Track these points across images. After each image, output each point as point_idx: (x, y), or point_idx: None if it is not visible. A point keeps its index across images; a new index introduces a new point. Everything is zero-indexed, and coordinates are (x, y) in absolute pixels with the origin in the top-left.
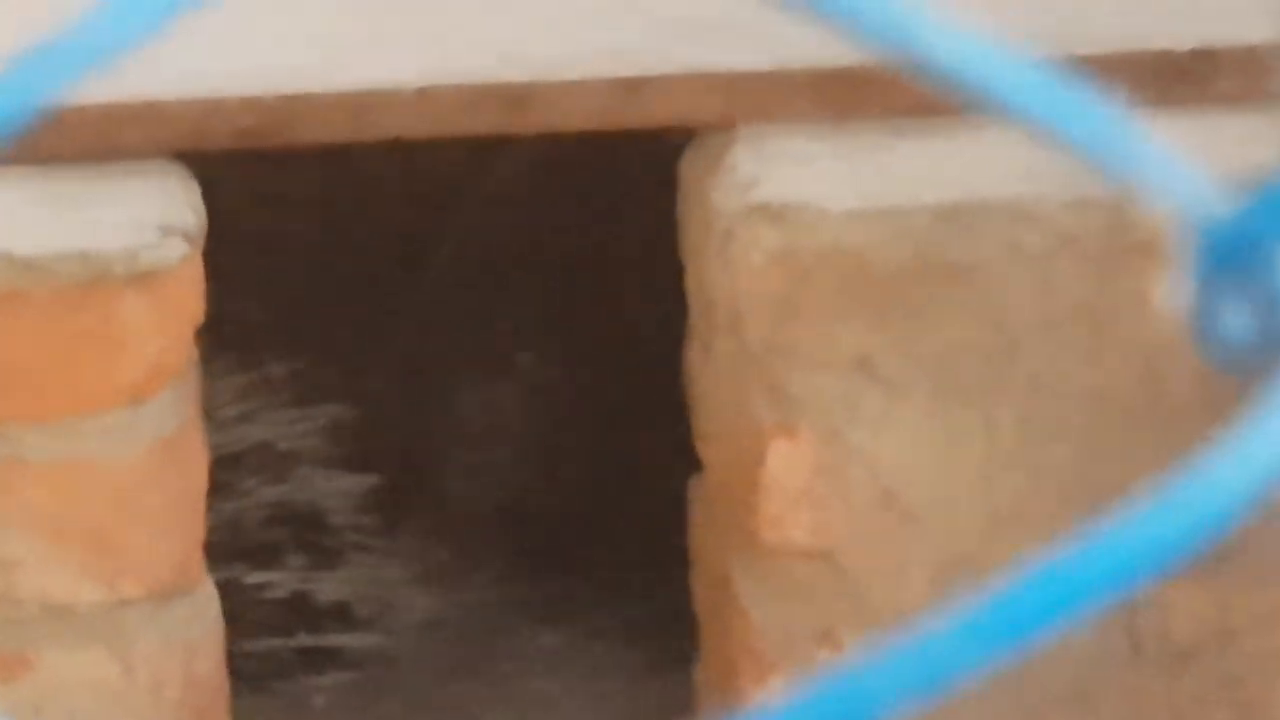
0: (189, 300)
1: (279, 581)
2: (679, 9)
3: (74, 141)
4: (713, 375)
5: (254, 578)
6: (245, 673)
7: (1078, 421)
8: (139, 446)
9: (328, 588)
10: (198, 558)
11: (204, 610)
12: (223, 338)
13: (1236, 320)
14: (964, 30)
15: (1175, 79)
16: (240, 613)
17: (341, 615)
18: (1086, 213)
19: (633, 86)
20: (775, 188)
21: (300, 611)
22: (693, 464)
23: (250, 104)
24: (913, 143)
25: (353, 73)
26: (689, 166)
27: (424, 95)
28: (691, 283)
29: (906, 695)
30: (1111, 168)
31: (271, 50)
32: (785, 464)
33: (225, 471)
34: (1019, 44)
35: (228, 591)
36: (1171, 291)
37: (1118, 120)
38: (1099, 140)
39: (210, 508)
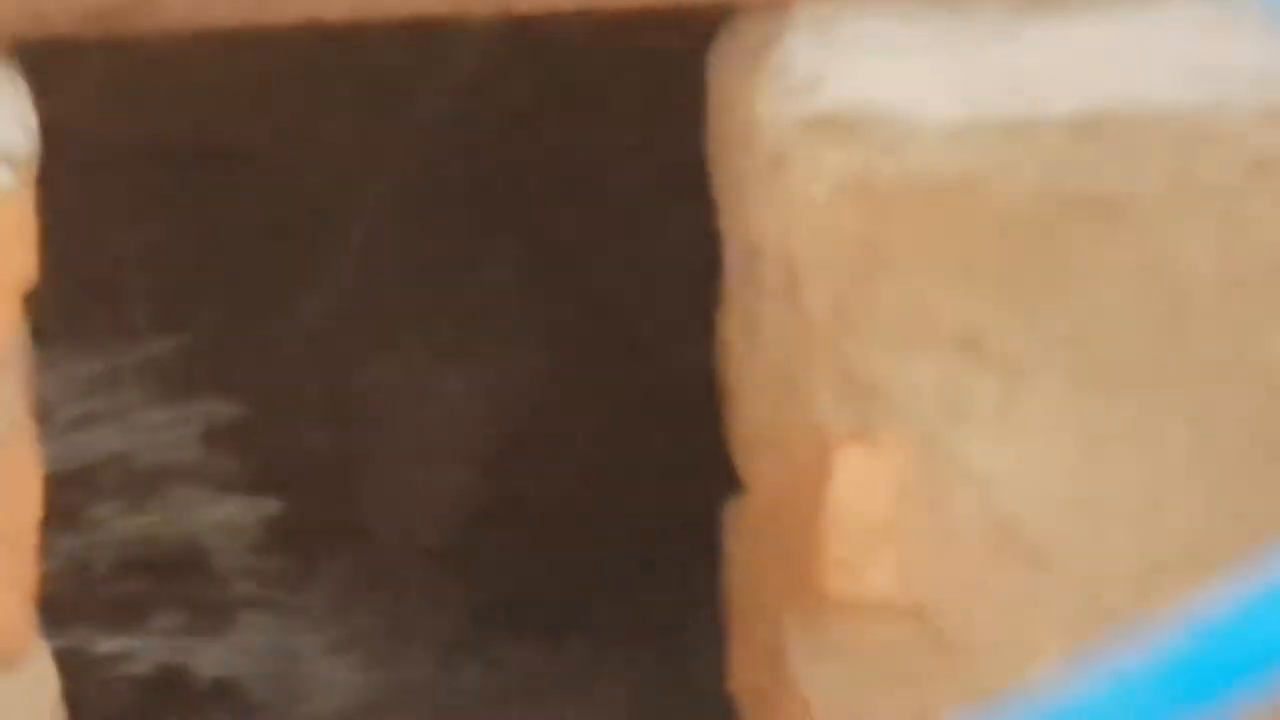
0: (14, 252)
1: (143, 650)
2: None
3: None
4: (758, 358)
5: (108, 644)
6: None
7: (1275, 421)
8: None
9: (211, 659)
10: (26, 617)
11: (35, 689)
12: (65, 307)
13: None
14: None
15: None
16: (89, 693)
17: (230, 696)
18: None
19: None
20: (846, 91)
21: (173, 692)
22: (728, 483)
23: None
24: (1044, 26)
25: None
26: (722, 62)
27: None
28: (728, 228)
29: None
30: None
31: None
32: (862, 483)
33: (68, 495)
34: None
35: (70, 663)
36: None
37: None
38: None
39: (45, 546)
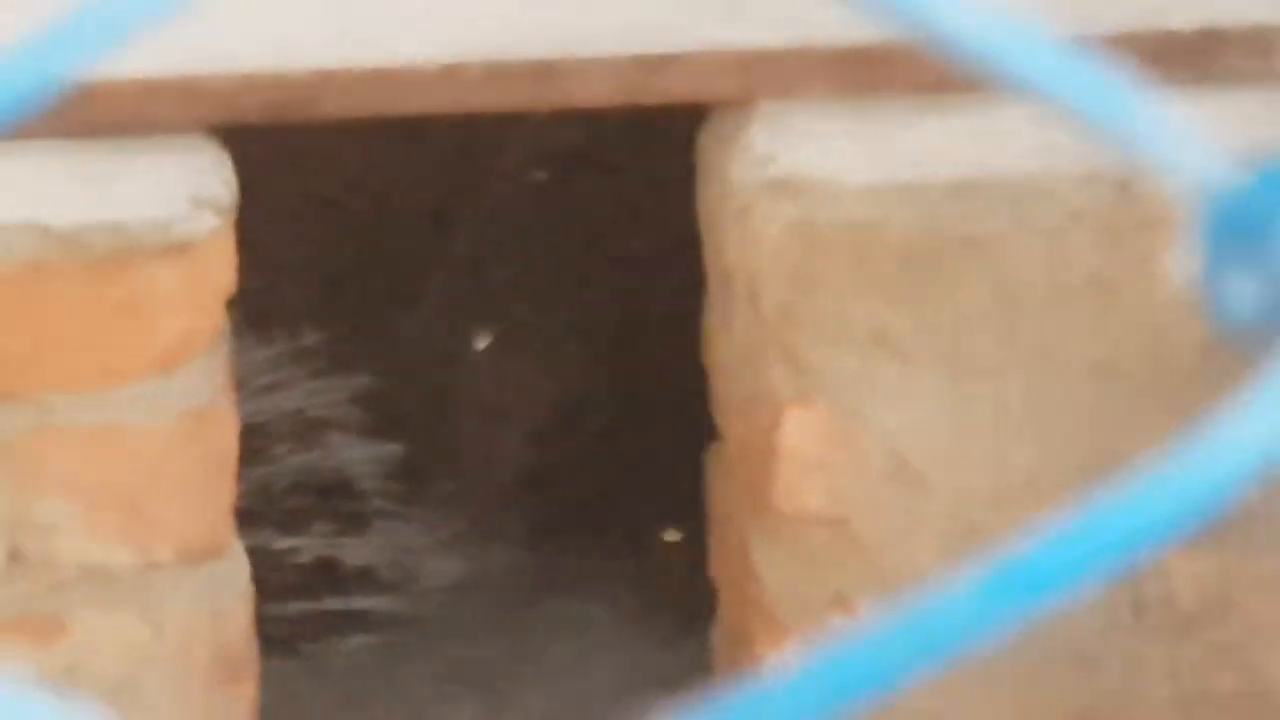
0: (219, 272)
1: (306, 546)
2: None
3: (106, 115)
4: (730, 346)
5: (282, 543)
6: (273, 635)
7: (1085, 392)
8: (170, 414)
9: (353, 552)
10: (228, 523)
11: (233, 574)
12: (254, 309)
13: (1242, 292)
14: (982, 7)
15: (1185, 57)
16: (268, 577)
17: (367, 579)
18: (1095, 188)
19: (653, 63)
20: (792, 163)
21: (327, 576)
22: (711, 433)
23: (279, 79)
24: (927, 120)
25: (379, 48)
26: (707, 142)
27: (449, 71)
28: (710, 255)
29: (917, 659)
30: (1123, 142)
31: (301, 26)
32: (800, 433)
33: (255, 439)
34: (1034, 22)
35: (256, 556)
36: (1179, 264)
37: (1130, 95)
38: (1112, 115)
39: (240, 474)
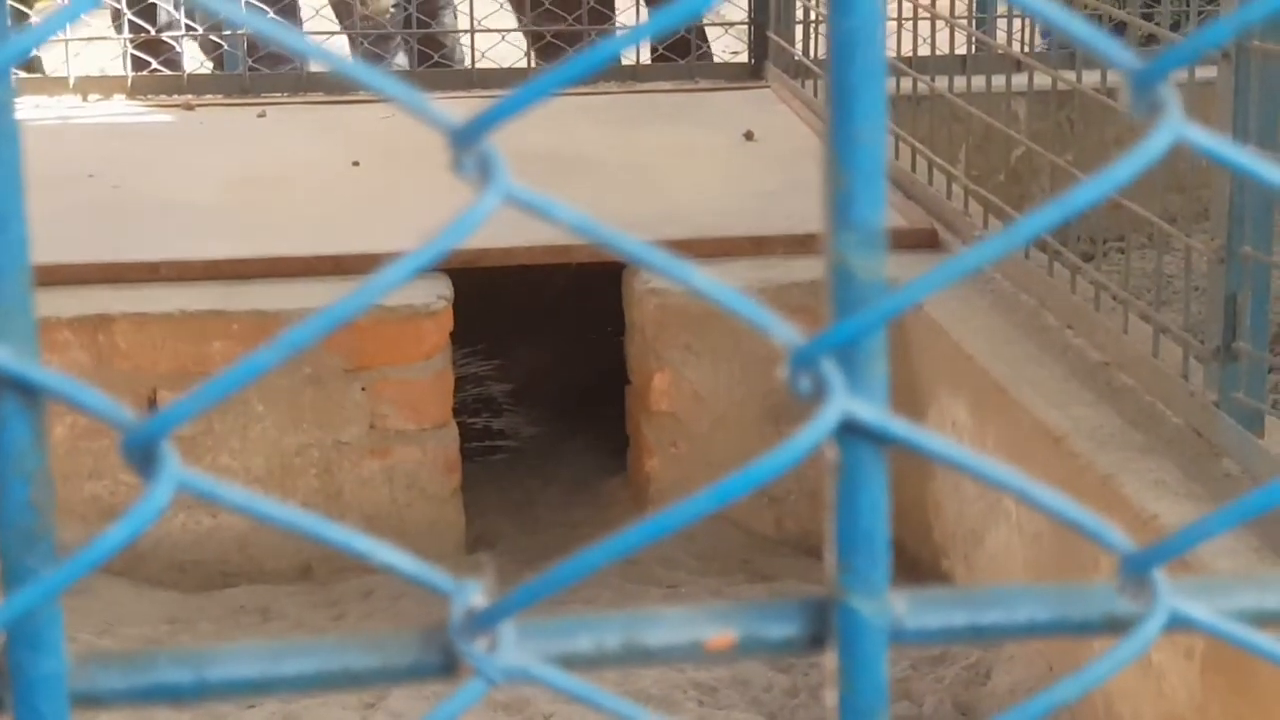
0: (446, 322)
1: (476, 422)
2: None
3: None
4: (634, 349)
5: (469, 421)
6: (466, 455)
7: (763, 368)
8: (429, 374)
9: (496, 423)
10: (449, 412)
11: (452, 433)
12: (459, 335)
13: (805, 385)
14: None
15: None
16: (464, 433)
17: (500, 434)
18: (785, 294)
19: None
20: (659, 283)
21: (485, 433)
22: (628, 381)
23: (467, 249)
24: (710, 266)
25: (503, 238)
26: (627, 274)
27: (531, 248)
28: (627, 316)
29: (680, 520)
30: (742, 318)
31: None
32: (660, 381)
33: (459, 384)
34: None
35: (460, 426)
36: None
37: (734, 292)
38: (724, 299)
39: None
